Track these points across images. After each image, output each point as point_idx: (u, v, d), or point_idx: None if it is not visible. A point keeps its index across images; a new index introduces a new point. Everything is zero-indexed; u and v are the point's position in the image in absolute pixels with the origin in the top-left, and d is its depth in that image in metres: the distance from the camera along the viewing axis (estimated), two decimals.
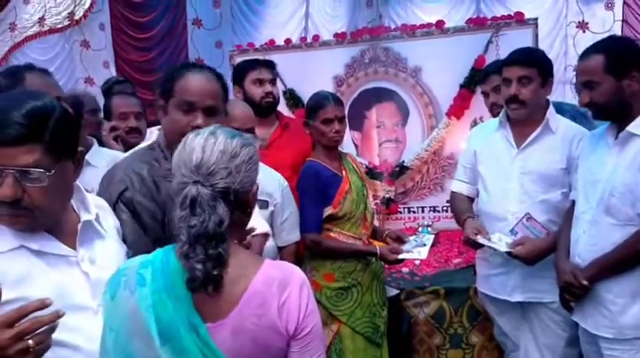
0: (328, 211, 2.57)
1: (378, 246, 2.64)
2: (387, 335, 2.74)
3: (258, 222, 1.98)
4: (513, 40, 3.70)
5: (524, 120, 2.49)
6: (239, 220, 1.30)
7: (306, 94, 3.66)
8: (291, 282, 1.26)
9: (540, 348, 2.52)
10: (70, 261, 1.42)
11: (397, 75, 4.19)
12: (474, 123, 3.92)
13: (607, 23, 5.75)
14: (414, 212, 4.25)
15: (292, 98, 4.31)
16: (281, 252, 2.51)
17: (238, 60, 4.04)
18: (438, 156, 4.17)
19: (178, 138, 1.35)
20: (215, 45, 6.77)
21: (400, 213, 4.25)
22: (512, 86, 2.43)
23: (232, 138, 1.27)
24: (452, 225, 3.48)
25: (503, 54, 3.23)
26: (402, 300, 3.06)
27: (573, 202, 2.32)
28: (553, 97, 2.62)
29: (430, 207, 4.21)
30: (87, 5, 6.06)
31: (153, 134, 2.71)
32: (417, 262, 3.36)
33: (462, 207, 2.68)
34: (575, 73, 4.37)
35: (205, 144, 1.25)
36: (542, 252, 2.39)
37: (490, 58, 3.82)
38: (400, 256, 2.57)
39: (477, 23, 4.13)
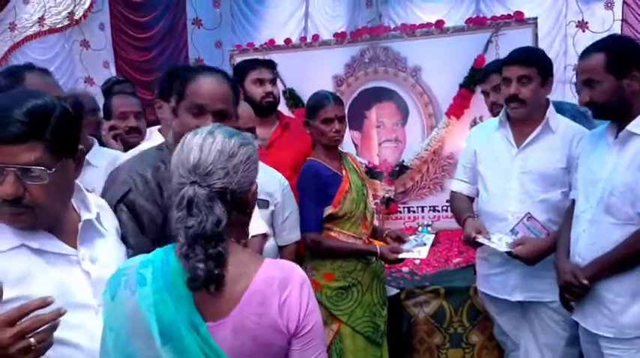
0: (328, 211, 2.57)
1: (378, 245, 2.64)
2: (387, 335, 2.75)
3: (257, 222, 1.98)
4: (513, 40, 3.70)
5: (524, 119, 2.49)
6: (237, 220, 1.29)
7: (305, 94, 3.66)
8: (291, 281, 1.26)
9: (540, 348, 2.52)
10: (70, 260, 1.42)
11: (397, 74, 4.19)
12: (474, 123, 3.92)
13: (607, 23, 5.75)
14: (413, 211, 4.25)
15: (292, 98, 4.31)
16: (281, 252, 2.51)
17: (238, 60, 4.04)
18: (437, 155, 4.17)
19: None
20: (215, 45, 6.77)
21: (400, 212, 4.25)
22: (512, 85, 2.43)
23: (230, 138, 1.27)
24: (452, 225, 3.49)
25: (503, 53, 3.23)
26: (402, 300, 3.06)
27: (573, 201, 2.32)
28: (553, 97, 2.63)
29: (430, 206, 4.21)
30: (87, 5, 6.05)
31: (153, 134, 2.71)
32: (417, 262, 3.36)
33: (462, 207, 2.68)
34: (574, 72, 4.39)
35: (203, 144, 1.24)
36: (543, 252, 2.39)
37: (490, 58, 3.82)
38: (400, 256, 2.57)
39: (476, 23, 4.13)
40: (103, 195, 1.75)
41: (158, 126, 2.65)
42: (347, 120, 2.70)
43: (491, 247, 2.43)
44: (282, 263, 1.36)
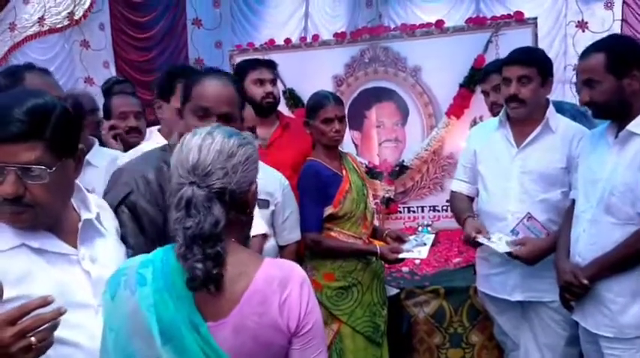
0: (328, 211, 2.57)
1: (378, 245, 2.64)
2: (387, 335, 2.75)
3: (257, 222, 1.98)
4: (513, 40, 3.70)
5: (524, 119, 2.49)
6: (237, 220, 1.29)
7: (305, 94, 3.67)
8: (291, 280, 1.26)
9: (540, 347, 2.52)
10: (70, 260, 1.42)
11: (397, 74, 4.19)
12: (474, 123, 3.93)
13: (606, 22, 5.75)
14: (413, 211, 4.25)
15: (292, 98, 4.31)
16: (282, 252, 2.51)
17: (238, 60, 4.04)
18: (437, 155, 4.17)
19: None
20: (215, 45, 6.77)
21: (400, 212, 4.25)
22: (512, 85, 2.43)
23: (230, 138, 1.27)
24: (452, 225, 3.49)
25: (503, 53, 3.24)
26: (402, 300, 3.06)
27: (573, 201, 2.32)
28: (552, 97, 2.63)
29: (430, 206, 4.21)
30: (87, 5, 6.05)
31: (152, 134, 2.71)
32: (417, 261, 3.37)
33: (462, 207, 2.68)
34: (574, 72, 4.39)
35: (202, 144, 1.24)
36: (543, 252, 2.39)
37: (490, 58, 3.83)
38: (400, 255, 2.57)
39: (476, 23, 4.14)
40: (105, 195, 1.76)
41: (158, 127, 2.65)
42: (347, 120, 2.70)
43: (491, 247, 2.43)
44: (281, 262, 1.36)
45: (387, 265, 2.80)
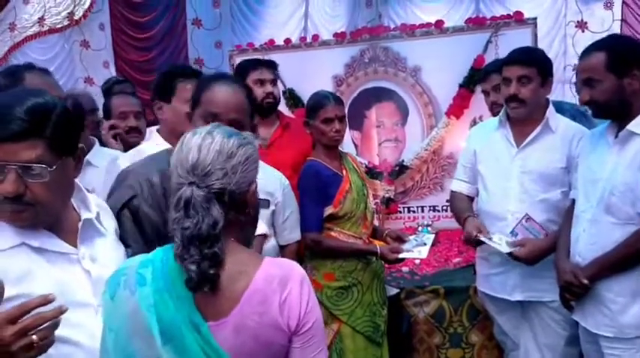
0: (329, 210, 2.57)
1: (378, 245, 2.64)
2: (387, 335, 2.75)
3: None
4: (512, 40, 3.70)
5: (524, 119, 2.49)
6: (236, 220, 1.29)
7: (305, 94, 3.67)
8: (291, 279, 1.26)
9: (540, 347, 2.53)
10: (70, 259, 1.42)
11: (397, 74, 4.19)
12: (474, 123, 3.92)
13: (606, 23, 5.75)
14: (413, 211, 4.25)
15: (292, 98, 4.31)
16: (283, 251, 2.51)
17: (238, 60, 4.04)
18: (437, 155, 4.17)
19: None
20: (215, 45, 6.77)
21: (400, 212, 4.25)
22: (511, 85, 2.43)
23: (229, 138, 1.26)
24: (452, 225, 3.49)
25: (503, 53, 3.24)
26: (402, 299, 3.06)
27: (573, 201, 2.32)
28: (552, 97, 2.63)
29: (430, 206, 4.21)
30: (86, 5, 6.06)
31: (152, 134, 2.71)
32: (417, 261, 3.37)
33: (462, 207, 2.68)
34: (574, 72, 4.39)
35: (202, 144, 1.24)
36: (543, 252, 2.39)
37: (489, 58, 3.83)
38: (400, 255, 2.57)
39: (476, 23, 4.13)
40: (109, 196, 1.75)
41: (157, 127, 2.65)
42: (347, 120, 2.70)
43: (492, 246, 2.43)
44: (281, 261, 1.36)
45: (387, 265, 2.80)
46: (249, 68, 3.03)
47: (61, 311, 1.20)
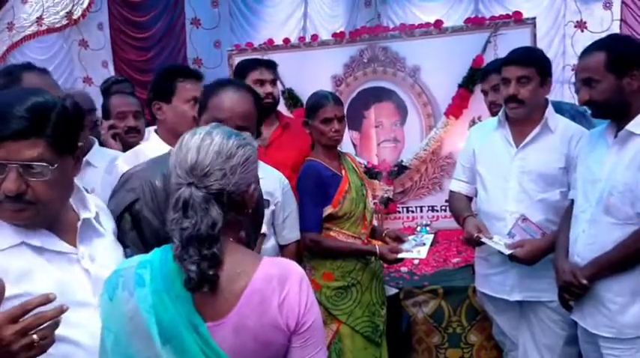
0: (328, 210, 2.57)
1: (377, 245, 2.64)
2: (386, 335, 2.74)
3: None
4: (512, 40, 3.71)
5: (523, 119, 2.49)
6: (235, 220, 1.29)
7: (304, 94, 3.67)
8: (289, 278, 1.26)
9: (539, 347, 2.53)
10: (70, 258, 1.43)
11: (396, 74, 4.19)
12: (473, 123, 3.93)
13: (605, 23, 5.76)
14: (412, 211, 4.25)
15: (291, 98, 4.31)
16: (282, 251, 2.50)
17: (237, 60, 4.04)
18: (436, 155, 4.17)
19: None
20: (213, 44, 6.78)
21: (399, 212, 4.25)
22: (511, 86, 2.43)
23: (229, 139, 1.26)
24: (450, 225, 3.49)
25: (502, 53, 3.24)
26: (401, 299, 3.06)
27: (572, 201, 2.32)
28: (551, 97, 2.63)
29: (429, 206, 4.21)
30: (85, 5, 6.06)
31: (151, 134, 2.70)
32: (416, 261, 3.37)
33: (461, 207, 2.68)
34: (573, 72, 4.40)
35: (201, 145, 1.24)
36: (541, 252, 2.39)
37: (488, 58, 3.83)
38: (400, 255, 2.57)
39: (475, 23, 4.13)
40: (110, 198, 1.75)
41: (154, 127, 2.64)
42: (346, 120, 2.70)
43: (492, 247, 2.43)
44: (279, 260, 1.36)
45: (386, 265, 2.80)
46: (249, 68, 3.03)
47: (62, 310, 1.20)
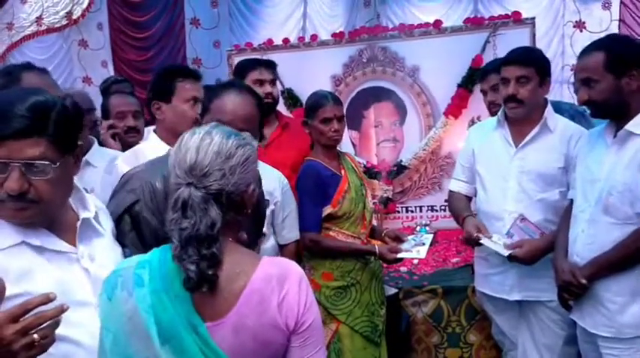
0: (327, 210, 2.57)
1: (376, 245, 2.64)
2: (386, 334, 2.74)
3: None
4: (511, 40, 3.71)
5: (522, 119, 2.49)
6: (234, 220, 1.29)
7: (304, 94, 3.67)
8: (289, 278, 1.26)
9: (538, 347, 2.53)
10: (70, 258, 1.43)
11: (395, 74, 4.19)
12: (472, 123, 3.93)
13: (604, 23, 5.76)
14: (411, 211, 4.25)
15: (290, 98, 4.31)
16: (282, 251, 2.50)
17: (236, 60, 4.04)
18: (435, 155, 4.17)
19: None
20: (213, 44, 6.78)
21: (398, 212, 4.26)
22: (510, 85, 2.44)
23: (228, 138, 1.26)
24: (450, 225, 3.49)
25: (501, 53, 3.24)
26: (400, 299, 3.06)
27: (571, 201, 2.32)
28: (550, 97, 2.63)
29: (428, 206, 4.22)
30: (85, 5, 6.06)
31: (150, 133, 2.71)
32: (416, 261, 3.37)
33: (461, 206, 2.68)
34: (572, 72, 4.40)
35: (200, 145, 1.24)
36: (540, 251, 2.39)
37: (488, 58, 3.83)
38: (399, 255, 2.57)
39: (474, 23, 4.14)
40: (111, 198, 1.75)
41: (153, 127, 2.64)
42: (345, 119, 2.70)
43: (491, 248, 2.44)
44: (279, 260, 1.36)
45: (385, 265, 2.80)
46: (249, 68, 3.03)
47: (62, 310, 1.21)
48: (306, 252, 2.64)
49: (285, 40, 4.56)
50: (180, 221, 1.20)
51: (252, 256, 1.32)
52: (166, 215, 1.24)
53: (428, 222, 4.01)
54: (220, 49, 6.49)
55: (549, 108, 2.51)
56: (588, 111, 2.38)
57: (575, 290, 2.17)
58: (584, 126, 2.54)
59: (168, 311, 1.19)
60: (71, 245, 1.44)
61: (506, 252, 2.39)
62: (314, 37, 4.62)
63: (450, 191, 2.80)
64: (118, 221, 1.66)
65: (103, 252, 1.51)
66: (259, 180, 1.51)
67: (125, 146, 2.87)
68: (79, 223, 1.47)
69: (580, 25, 5.84)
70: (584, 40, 5.05)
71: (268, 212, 2.41)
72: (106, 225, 1.61)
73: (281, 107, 3.72)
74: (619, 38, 2.61)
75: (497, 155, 2.57)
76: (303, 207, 2.56)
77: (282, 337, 1.24)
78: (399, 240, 2.67)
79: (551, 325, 2.49)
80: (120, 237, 1.65)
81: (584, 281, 2.11)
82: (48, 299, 1.19)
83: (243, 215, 1.32)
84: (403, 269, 3.34)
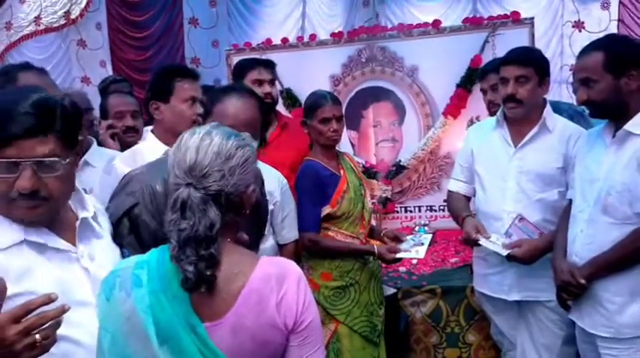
0: (326, 210, 2.57)
1: (375, 245, 2.64)
2: (385, 334, 2.74)
3: None
4: (510, 40, 3.71)
5: (521, 119, 2.49)
6: (233, 221, 1.29)
7: (303, 94, 3.66)
8: (288, 277, 1.26)
9: (537, 347, 2.53)
10: (70, 257, 1.43)
11: (394, 74, 4.19)
12: (471, 123, 3.93)
13: (603, 23, 5.76)
14: (410, 211, 4.25)
15: (289, 97, 4.31)
16: (281, 251, 2.51)
17: (235, 59, 4.03)
18: (434, 155, 4.17)
19: None
20: (212, 44, 6.77)
21: (397, 212, 4.26)
22: (509, 85, 2.44)
23: (228, 139, 1.26)
24: (449, 224, 3.49)
25: (500, 53, 3.25)
26: (399, 299, 3.07)
27: (570, 201, 2.32)
28: (549, 97, 2.63)
29: (427, 206, 4.22)
30: (83, 4, 6.04)
31: (148, 133, 2.70)
32: (415, 261, 3.37)
33: (460, 206, 2.68)
34: (571, 72, 4.40)
35: (200, 145, 1.23)
36: (539, 251, 2.39)
37: (486, 58, 3.83)
38: (398, 255, 2.57)
39: (473, 23, 4.14)
40: (111, 199, 1.75)
41: (150, 127, 2.63)
42: (344, 119, 2.70)
43: (490, 248, 2.44)
44: (277, 259, 1.36)
45: (384, 265, 2.80)
46: (248, 68, 3.02)
47: (64, 310, 1.21)
48: (305, 251, 2.64)
49: (284, 40, 4.56)
50: (179, 221, 1.20)
51: (251, 256, 1.32)
52: (165, 215, 1.24)
53: (427, 222, 4.01)
54: (219, 49, 6.48)
55: (548, 109, 2.51)
56: (587, 111, 2.37)
57: (574, 291, 2.17)
58: (584, 126, 2.54)
59: (166, 312, 1.19)
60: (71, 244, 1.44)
61: (504, 252, 2.39)
62: (313, 36, 4.61)
63: (449, 191, 2.80)
64: (116, 224, 1.66)
65: (102, 253, 1.51)
66: (261, 182, 1.51)
67: (124, 146, 2.87)
68: (78, 223, 1.47)
69: (579, 25, 5.84)
70: (582, 40, 5.05)
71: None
72: (105, 225, 1.61)
73: (280, 107, 3.72)
74: (618, 38, 2.61)
75: (496, 155, 2.57)
76: (302, 207, 2.56)
77: (281, 336, 1.24)
78: (397, 240, 2.67)
79: (549, 325, 2.49)
80: (118, 240, 1.65)
81: (583, 281, 2.11)
82: (50, 299, 1.20)
83: (242, 215, 1.32)
84: (402, 269, 3.34)
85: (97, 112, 3.22)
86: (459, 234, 3.22)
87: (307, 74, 4.26)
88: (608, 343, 2.11)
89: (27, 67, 2.19)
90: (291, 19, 6.52)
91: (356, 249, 2.61)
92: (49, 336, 1.20)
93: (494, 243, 2.43)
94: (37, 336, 1.18)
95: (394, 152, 4.28)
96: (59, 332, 1.23)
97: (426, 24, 4.35)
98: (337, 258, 2.59)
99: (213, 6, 6.80)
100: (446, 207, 3.36)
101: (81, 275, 1.42)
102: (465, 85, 4.00)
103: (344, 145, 3.90)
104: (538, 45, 4.23)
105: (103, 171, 2.39)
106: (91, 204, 1.56)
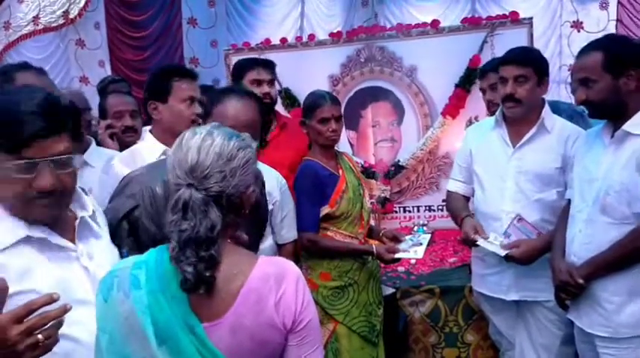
0: (325, 210, 2.57)
1: (374, 245, 2.64)
2: (383, 334, 2.75)
3: None
4: (508, 40, 3.72)
5: (520, 119, 2.49)
6: (233, 222, 1.29)
7: (301, 94, 3.66)
8: (286, 277, 1.26)
9: (536, 347, 2.53)
10: (69, 256, 1.44)
11: (393, 74, 4.19)
12: (469, 123, 3.94)
13: (601, 23, 5.76)
14: (409, 211, 4.26)
15: (288, 97, 4.31)
16: (280, 251, 2.51)
17: (234, 59, 4.03)
18: (433, 155, 4.18)
19: None
20: (210, 44, 6.76)
21: (396, 212, 4.26)
22: (508, 85, 2.44)
23: (229, 140, 1.25)
24: (447, 224, 3.49)
25: (499, 53, 3.25)
26: (397, 299, 3.07)
27: (569, 201, 2.33)
28: (547, 97, 2.63)
29: (425, 206, 4.22)
30: (82, 4, 6.03)
31: (146, 133, 2.70)
32: (413, 261, 3.37)
33: (459, 206, 2.69)
34: (569, 72, 4.40)
35: (201, 146, 1.23)
36: (537, 251, 2.40)
37: (485, 58, 3.83)
38: (397, 255, 2.57)
39: (472, 23, 4.14)
40: (110, 200, 1.75)
41: (148, 127, 2.63)
42: (343, 119, 2.70)
43: (488, 249, 2.44)
44: (276, 259, 1.36)
45: (383, 265, 2.80)
46: (247, 68, 3.02)
47: (65, 310, 1.21)
48: (303, 251, 2.64)
49: (283, 40, 4.56)
50: (180, 222, 1.20)
51: (250, 256, 1.32)
52: (165, 216, 1.24)
53: (425, 222, 4.01)
54: (217, 49, 6.48)
55: (547, 109, 2.51)
56: (587, 111, 2.38)
57: (572, 290, 2.17)
58: (582, 127, 2.55)
59: (164, 312, 1.19)
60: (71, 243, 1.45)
61: (503, 252, 2.39)
62: (311, 36, 4.61)
63: (448, 191, 2.80)
64: (116, 226, 1.66)
65: (101, 252, 1.51)
66: (262, 182, 1.50)
67: (123, 146, 2.87)
68: (77, 222, 1.48)
69: (577, 25, 5.84)
70: (581, 40, 5.05)
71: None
72: (103, 225, 1.61)
73: (279, 107, 3.72)
74: (617, 38, 2.61)
75: (494, 155, 2.57)
76: (300, 206, 2.56)
77: (280, 336, 1.24)
78: (396, 239, 2.67)
79: (548, 325, 2.49)
80: (117, 241, 1.64)
81: (581, 281, 2.12)
82: (52, 299, 1.20)
83: (242, 216, 1.32)
84: (401, 269, 3.35)
85: (95, 112, 3.22)
86: (457, 234, 3.22)
87: (306, 74, 4.27)
88: (607, 342, 2.11)
89: (25, 66, 2.19)
90: (290, 19, 6.51)
91: (355, 248, 2.61)
92: (51, 336, 1.20)
93: (493, 243, 2.43)
94: (40, 336, 1.18)
95: (393, 152, 4.29)
96: (60, 330, 1.23)
97: (424, 24, 4.35)
98: (336, 257, 2.59)
99: (212, 6, 6.79)
100: (444, 207, 3.37)
101: (80, 274, 1.43)
102: (464, 85, 4.00)
103: (343, 145, 3.90)
104: (537, 45, 4.23)
105: (102, 171, 2.39)
106: (90, 203, 1.56)
